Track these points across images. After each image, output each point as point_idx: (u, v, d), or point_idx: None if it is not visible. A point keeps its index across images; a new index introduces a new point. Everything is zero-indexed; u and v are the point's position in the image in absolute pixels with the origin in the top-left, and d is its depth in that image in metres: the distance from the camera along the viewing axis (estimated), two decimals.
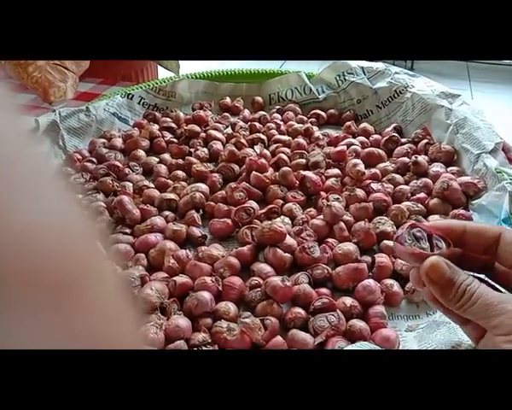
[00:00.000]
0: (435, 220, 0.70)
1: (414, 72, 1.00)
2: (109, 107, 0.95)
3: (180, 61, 1.19)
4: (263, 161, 0.79)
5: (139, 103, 1.01)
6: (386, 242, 0.66)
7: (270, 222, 0.65)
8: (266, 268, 0.62)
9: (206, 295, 0.57)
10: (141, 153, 0.87)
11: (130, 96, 0.99)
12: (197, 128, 0.92)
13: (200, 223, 0.72)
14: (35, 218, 0.15)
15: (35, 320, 0.15)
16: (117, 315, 0.20)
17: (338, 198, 0.73)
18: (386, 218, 0.69)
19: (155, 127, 0.94)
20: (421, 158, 0.80)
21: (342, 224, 0.68)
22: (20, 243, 0.14)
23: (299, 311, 0.56)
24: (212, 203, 0.75)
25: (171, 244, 0.65)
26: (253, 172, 0.77)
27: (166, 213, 0.73)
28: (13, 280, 0.14)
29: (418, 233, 0.43)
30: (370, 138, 0.90)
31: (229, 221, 0.70)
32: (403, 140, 0.89)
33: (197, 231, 0.69)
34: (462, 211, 0.68)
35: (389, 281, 0.60)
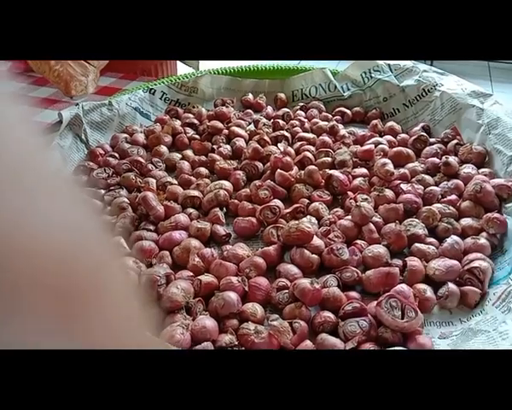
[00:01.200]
0: (468, 224, 0.68)
1: None
2: (131, 101, 0.94)
3: None
4: (288, 159, 0.77)
5: (161, 98, 1.00)
6: (417, 245, 0.64)
7: (297, 222, 0.63)
8: (293, 269, 0.60)
9: (232, 295, 0.55)
10: (163, 149, 0.86)
11: (153, 91, 0.98)
12: (220, 125, 0.90)
13: (224, 221, 0.70)
14: (48, 224, 0.15)
15: (45, 326, 0.15)
16: (130, 320, 0.20)
17: (366, 199, 0.71)
18: (417, 220, 0.67)
19: (177, 123, 0.93)
20: (452, 159, 0.78)
21: (371, 225, 0.66)
22: (35, 249, 0.15)
23: (329, 315, 0.54)
24: (235, 201, 0.73)
25: (195, 242, 0.64)
26: (278, 170, 0.76)
27: (190, 210, 0.71)
28: (26, 286, 0.14)
29: (394, 303, 0.52)
30: (398, 137, 0.88)
31: (253, 220, 0.68)
32: (431, 140, 0.86)
33: (221, 230, 0.68)
34: (496, 215, 0.66)
35: (422, 286, 0.58)
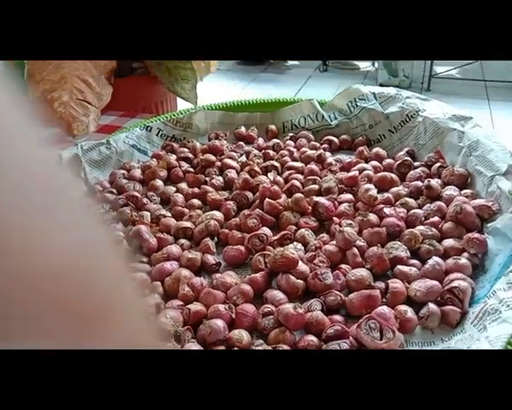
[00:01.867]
0: (450, 245, 0.70)
1: (431, 92, 1.01)
2: (129, 139, 0.99)
3: (198, 94, 1.23)
4: (276, 188, 0.81)
5: (157, 135, 1.05)
6: (399, 267, 0.66)
7: (282, 249, 0.66)
8: (279, 295, 0.63)
9: (219, 322, 0.58)
10: (159, 183, 0.90)
11: (149, 128, 1.03)
12: (213, 157, 0.94)
13: (214, 250, 0.73)
14: (67, 243, 0.16)
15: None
16: (146, 337, 0.20)
17: (351, 224, 0.74)
18: (399, 243, 0.69)
19: (173, 157, 0.97)
20: (434, 182, 0.80)
21: (355, 249, 0.69)
22: (49, 272, 0.15)
23: (312, 338, 0.57)
24: (226, 231, 0.76)
25: (186, 272, 0.67)
26: (266, 199, 0.79)
27: (182, 241, 0.75)
28: (46, 307, 0.14)
29: (373, 324, 0.54)
30: (383, 163, 0.91)
31: (242, 248, 0.71)
32: (416, 164, 0.89)
33: (211, 259, 0.71)
34: (476, 235, 0.68)
35: (403, 307, 0.60)
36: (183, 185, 0.90)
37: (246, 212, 0.77)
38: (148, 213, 0.80)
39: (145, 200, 0.85)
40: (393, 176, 0.84)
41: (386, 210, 0.76)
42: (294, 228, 0.76)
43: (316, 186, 0.84)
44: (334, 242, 0.71)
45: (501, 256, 0.64)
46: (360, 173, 0.86)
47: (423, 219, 0.76)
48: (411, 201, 0.79)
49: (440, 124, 0.90)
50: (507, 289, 0.56)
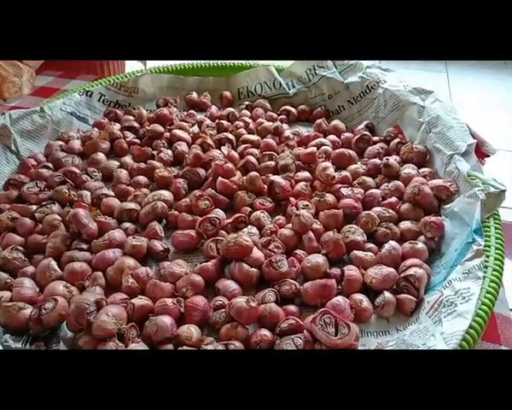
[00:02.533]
0: (406, 227, 0.68)
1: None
2: (66, 106, 0.89)
3: None
4: (229, 165, 0.76)
5: (99, 100, 0.95)
6: (355, 252, 0.64)
7: (235, 235, 0.62)
8: (232, 286, 0.59)
9: (166, 319, 0.53)
10: (100, 156, 0.82)
11: (90, 93, 0.93)
12: (160, 128, 0.87)
13: (162, 235, 0.68)
14: None
15: None
16: None
17: (307, 205, 0.71)
18: (355, 226, 0.67)
19: (116, 127, 0.89)
20: (393, 160, 0.78)
21: (311, 234, 0.66)
22: None
23: (266, 333, 0.54)
24: (175, 213, 0.71)
25: (130, 261, 0.62)
26: (220, 177, 0.74)
27: (126, 224, 0.68)
28: None
29: (327, 319, 0.52)
30: (342, 137, 0.88)
31: (192, 233, 0.66)
32: (374, 138, 0.86)
33: (159, 245, 0.65)
34: (433, 218, 0.66)
35: (358, 296, 0.58)
36: (128, 159, 0.82)
37: (197, 193, 0.71)
38: (88, 193, 0.73)
39: (85, 176, 0.77)
40: (352, 153, 0.81)
41: (344, 190, 0.73)
42: (249, 210, 0.71)
43: (272, 163, 0.79)
44: (289, 225, 0.67)
45: (457, 241, 0.63)
46: (318, 149, 0.81)
47: (381, 199, 0.73)
48: (369, 180, 0.76)
49: (401, 97, 0.86)
50: (462, 279, 0.55)
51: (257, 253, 0.62)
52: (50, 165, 0.79)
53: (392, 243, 0.65)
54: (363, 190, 0.74)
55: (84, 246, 0.65)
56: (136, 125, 0.90)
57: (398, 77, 0.90)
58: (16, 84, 1.03)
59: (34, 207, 0.71)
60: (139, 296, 0.57)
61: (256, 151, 0.83)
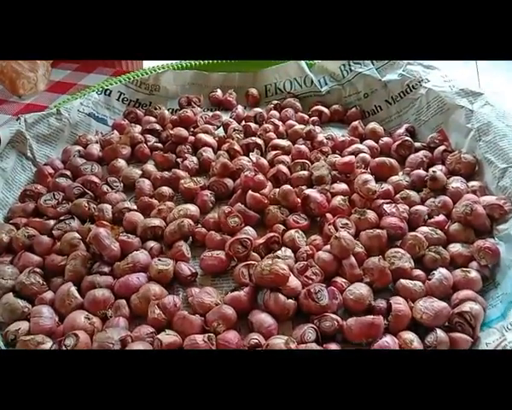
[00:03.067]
0: (457, 251, 0.62)
1: None
2: (84, 107, 0.83)
3: None
4: (260, 177, 0.69)
5: (118, 100, 0.89)
6: (402, 282, 0.58)
7: (270, 262, 0.56)
8: (267, 321, 0.54)
9: None
10: (121, 163, 0.76)
11: (108, 91, 0.87)
12: (184, 133, 0.81)
13: (189, 256, 0.63)
14: None
15: None
16: None
17: (347, 224, 0.64)
18: (402, 251, 0.61)
19: (137, 129, 0.83)
20: (440, 173, 0.71)
21: (353, 259, 0.60)
22: None
23: None
24: (202, 230, 0.65)
25: (155, 288, 0.57)
26: (250, 191, 0.68)
27: (151, 244, 0.63)
28: None
29: None
30: (380, 142, 0.81)
31: (222, 256, 0.61)
32: (416, 145, 0.79)
33: (186, 269, 0.60)
34: (487, 243, 0.60)
35: (408, 335, 0.52)
36: (150, 167, 0.77)
37: (226, 209, 0.65)
38: (109, 207, 0.68)
39: (105, 187, 0.72)
40: (393, 162, 0.74)
41: (387, 208, 0.66)
42: (282, 228, 0.65)
43: (305, 173, 0.73)
44: (327, 247, 0.62)
45: None
46: (355, 157, 0.75)
47: (426, 216, 0.67)
48: (413, 194, 0.69)
49: (446, 99, 0.79)
50: None
51: (294, 281, 0.57)
52: (68, 173, 0.74)
53: (443, 271, 0.59)
54: (407, 207, 0.67)
55: (106, 269, 0.60)
56: (158, 127, 0.84)
57: (443, 76, 0.82)
58: (31, 79, 0.97)
59: (52, 222, 0.66)
60: (166, 331, 0.53)
61: (287, 159, 0.77)
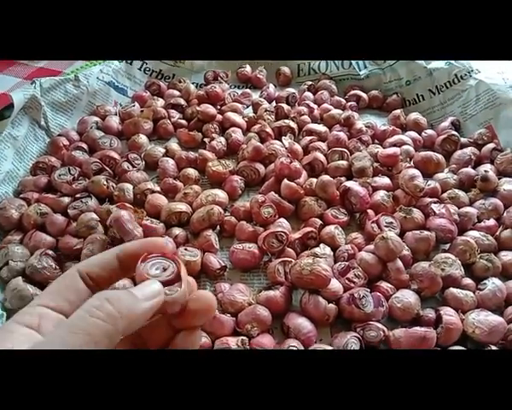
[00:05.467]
0: (509, 260, 0.56)
1: None
2: (104, 74, 0.76)
3: None
4: (297, 165, 0.63)
5: (140, 69, 0.82)
6: (452, 291, 0.53)
7: (310, 261, 0.51)
8: (305, 326, 0.48)
9: None
10: (143, 139, 0.70)
11: (130, 60, 0.80)
12: (212, 110, 0.74)
13: (217, 246, 0.57)
14: None
15: None
16: None
17: (391, 222, 0.59)
18: (453, 257, 0.55)
19: (160, 103, 0.77)
20: (492, 173, 0.65)
21: (399, 262, 0.54)
22: None
23: None
24: (232, 220, 0.60)
25: None
26: (285, 180, 0.62)
27: (176, 231, 0.58)
28: None
29: None
30: (423, 134, 0.74)
31: (255, 250, 0.55)
32: (463, 140, 0.73)
33: (215, 262, 0.55)
34: None
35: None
36: (175, 146, 0.70)
37: (259, 198, 0.59)
38: (130, 187, 0.62)
39: (126, 165, 0.65)
40: (440, 157, 0.68)
41: (435, 207, 0.61)
42: (320, 222, 0.60)
43: (344, 162, 0.67)
44: (371, 247, 0.56)
45: None
46: (399, 148, 0.69)
47: (476, 220, 0.61)
48: (462, 195, 0.64)
49: (498, 93, 0.72)
50: None
51: (335, 284, 0.51)
52: (85, 146, 0.68)
53: (497, 281, 0.53)
54: (456, 208, 0.61)
55: None
56: (182, 102, 0.77)
57: (497, 67, 0.75)
58: None
59: (67, 199, 0.60)
60: None
61: (323, 145, 0.71)
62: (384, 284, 0.53)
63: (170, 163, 0.66)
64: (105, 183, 0.61)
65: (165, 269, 0.26)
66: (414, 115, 0.77)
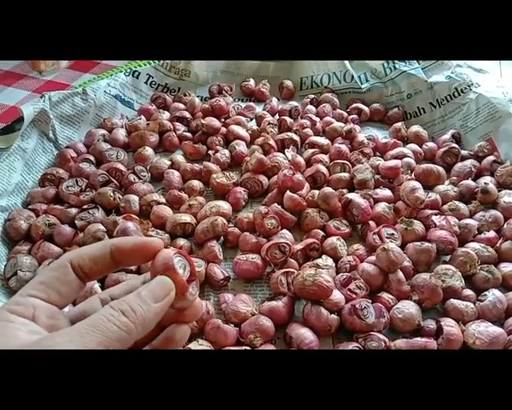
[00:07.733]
0: (509, 272, 0.57)
1: None
2: (111, 88, 0.78)
3: None
4: (299, 177, 0.65)
5: (146, 83, 0.84)
6: (453, 302, 0.53)
7: (313, 272, 0.52)
8: (307, 336, 0.49)
9: None
10: (148, 152, 0.72)
11: (137, 73, 0.82)
12: (217, 123, 0.76)
13: (221, 257, 0.58)
14: None
15: None
16: None
17: (393, 234, 0.60)
18: (453, 268, 0.56)
19: (165, 116, 0.78)
20: (492, 185, 0.66)
21: (400, 274, 0.55)
22: None
23: None
24: (236, 231, 0.61)
25: None
26: (288, 192, 0.63)
27: (181, 242, 0.59)
28: None
29: None
30: (424, 146, 0.75)
31: (258, 261, 0.56)
32: (463, 153, 0.74)
33: (219, 273, 0.56)
34: None
35: None
36: (180, 158, 0.72)
37: (263, 210, 0.60)
38: (136, 198, 0.63)
39: (132, 177, 0.67)
40: (440, 170, 0.69)
41: (436, 219, 0.61)
42: (322, 234, 0.61)
43: (346, 175, 0.68)
44: (372, 258, 0.57)
45: None
46: (400, 160, 0.70)
47: (476, 232, 0.62)
48: (463, 206, 0.65)
49: (498, 106, 0.73)
50: None
51: (337, 295, 0.52)
52: (92, 158, 0.70)
53: (497, 293, 0.54)
54: (456, 220, 0.62)
55: (133, 266, 0.55)
56: (187, 115, 0.79)
57: (496, 81, 0.77)
58: None
59: (74, 210, 0.62)
60: (198, 341, 0.48)
61: (326, 158, 0.72)
62: (385, 295, 0.54)
63: (175, 175, 0.68)
64: (111, 194, 0.63)
65: (185, 267, 0.28)
66: (415, 128, 0.78)
